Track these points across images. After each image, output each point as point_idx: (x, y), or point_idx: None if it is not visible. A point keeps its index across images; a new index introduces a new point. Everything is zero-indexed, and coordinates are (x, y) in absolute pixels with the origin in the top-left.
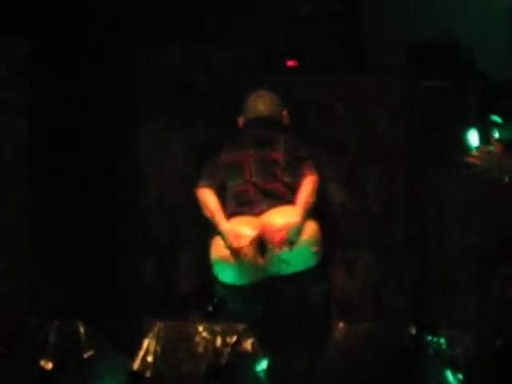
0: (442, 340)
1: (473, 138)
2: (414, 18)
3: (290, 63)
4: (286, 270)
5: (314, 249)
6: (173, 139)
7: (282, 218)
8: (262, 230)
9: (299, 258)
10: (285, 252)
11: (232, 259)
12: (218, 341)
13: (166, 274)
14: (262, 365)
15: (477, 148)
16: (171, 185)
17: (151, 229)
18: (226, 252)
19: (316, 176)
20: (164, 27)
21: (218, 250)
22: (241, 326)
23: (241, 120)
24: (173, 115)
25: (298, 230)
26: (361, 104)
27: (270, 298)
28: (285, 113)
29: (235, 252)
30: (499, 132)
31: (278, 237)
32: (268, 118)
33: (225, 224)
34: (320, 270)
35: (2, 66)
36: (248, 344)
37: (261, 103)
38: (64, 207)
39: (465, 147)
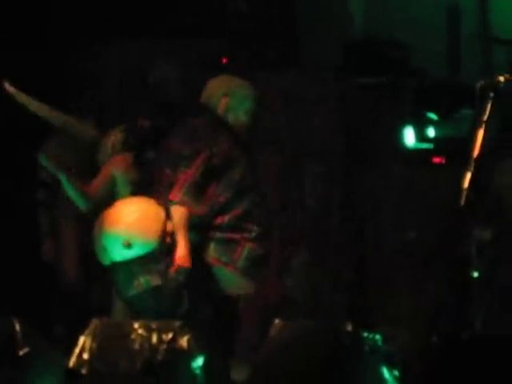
0: (378, 337)
1: (408, 135)
2: (350, 16)
3: (226, 60)
4: (106, 258)
5: (124, 242)
6: None
7: None
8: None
9: (111, 248)
10: (99, 241)
11: None
12: (154, 338)
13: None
14: (199, 362)
15: None
16: None
17: None
18: None
19: None
20: (100, 28)
21: None
22: (177, 323)
23: None
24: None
25: None
26: (297, 101)
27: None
28: None
29: None
30: (435, 129)
31: None
32: None
33: None
34: (148, 264)
35: None
36: (184, 341)
37: None
38: None
39: (400, 144)
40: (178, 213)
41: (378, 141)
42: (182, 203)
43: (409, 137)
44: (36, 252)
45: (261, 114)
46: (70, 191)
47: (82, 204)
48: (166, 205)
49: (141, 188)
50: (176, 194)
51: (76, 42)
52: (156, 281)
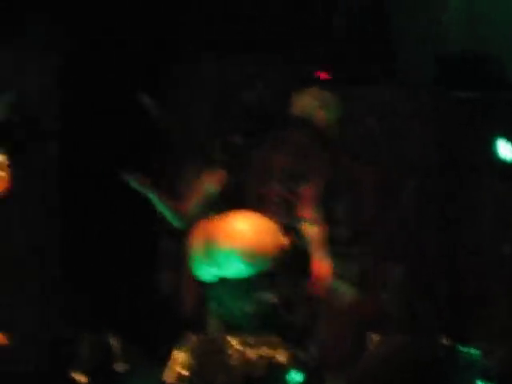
0: (475, 351)
1: (504, 148)
2: (443, 29)
3: (322, 76)
4: (217, 274)
5: (247, 259)
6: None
7: None
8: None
9: (228, 265)
10: (213, 258)
11: None
12: (252, 353)
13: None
14: (297, 377)
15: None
16: None
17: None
18: None
19: None
20: (195, 43)
21: None
22: (275, 339)
23: None
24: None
25: None
26: (391, 114)
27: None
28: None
29: None
30: None
31: None
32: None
33: None
34: (264, 281)
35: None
36: (283, 356)
37: None
38: (95, 222)
39: (496, 158)
40: (315, 231)
41: (474, 154)
42: (315, 221)
43: (504, 150)
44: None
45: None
46: (163, 210)
47: (175, 222)
48: (287, 220)
49: (232, 203)
50: (308, 212)
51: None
52: (273, 298)
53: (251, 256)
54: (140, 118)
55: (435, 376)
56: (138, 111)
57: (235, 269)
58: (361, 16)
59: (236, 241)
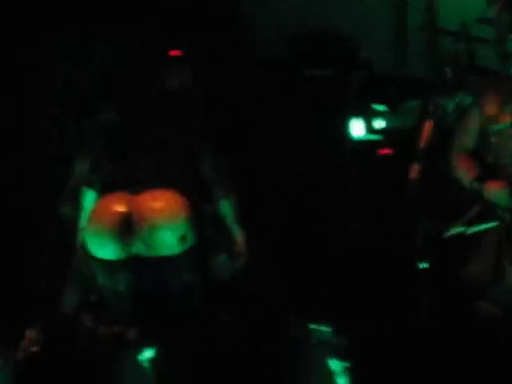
0: (327, 329)
1: (356, 127)
2: (296, 8)
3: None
4: (147, 252)
5: (179, 236)
6: None
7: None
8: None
9: (161, 243)
10: (146, 234)
11: (96, 232)
12: (103, 330)
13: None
14: (147, 354)
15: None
16: None
17: None
18: (94, 224)
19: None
20: None
21: (90, 221)
22: (126, 315)
23: None
24: None
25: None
26: None
27: (132, 278)
28: None
29: (97, 225)
30: (384, 120)
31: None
32: None
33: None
34: (193, 259)
35: None
36: (132, 333)
37: None
38: None
39: (347, 136)
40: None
41: (325, 133)
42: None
43: (356, 129)
44: None
45: None
46: None
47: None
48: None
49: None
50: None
51: None
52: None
53: (186, 233)
54: None
55: (286, 354)
56: None
57: (171, 247)
58: None
59: (171, 218)
